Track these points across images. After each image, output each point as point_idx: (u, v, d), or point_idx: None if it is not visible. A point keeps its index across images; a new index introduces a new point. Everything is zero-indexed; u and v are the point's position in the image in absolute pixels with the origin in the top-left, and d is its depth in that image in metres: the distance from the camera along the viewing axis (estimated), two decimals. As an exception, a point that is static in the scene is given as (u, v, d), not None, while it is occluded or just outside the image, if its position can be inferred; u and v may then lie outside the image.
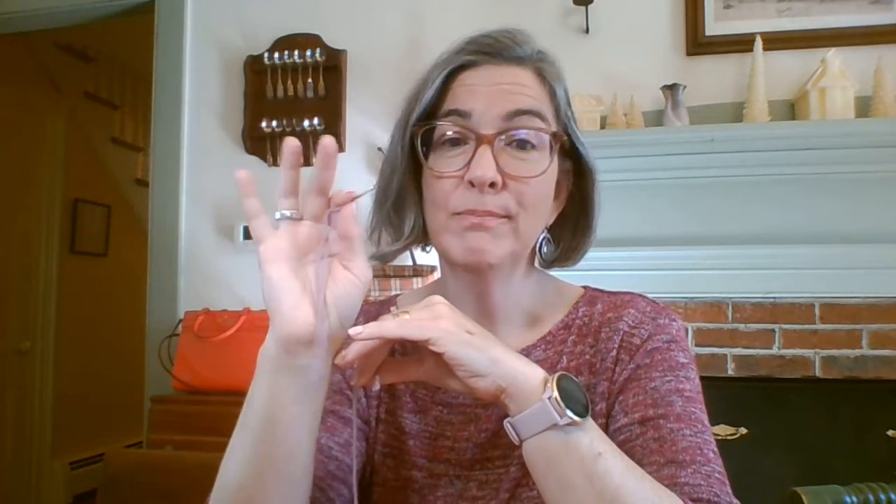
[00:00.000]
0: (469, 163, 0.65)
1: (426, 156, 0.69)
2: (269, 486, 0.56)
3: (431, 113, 0.69)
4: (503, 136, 0.66)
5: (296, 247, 0.54)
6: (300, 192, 0.55)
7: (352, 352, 0.55)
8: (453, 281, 0.73)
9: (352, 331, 0.54)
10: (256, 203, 0.54)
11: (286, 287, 0.53)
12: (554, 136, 0.68)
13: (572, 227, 0.76)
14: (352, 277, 0.55)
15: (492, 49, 0.69)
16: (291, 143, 0.54)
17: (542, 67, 0.71)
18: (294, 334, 0.53)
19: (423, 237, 0.74)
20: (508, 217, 0.66)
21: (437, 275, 1.89)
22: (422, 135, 0.69)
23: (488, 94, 0.67)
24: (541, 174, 0.67)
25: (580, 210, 0.75)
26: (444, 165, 0.67)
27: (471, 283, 0.71)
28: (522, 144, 0.67)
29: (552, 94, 0.71)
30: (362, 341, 0.55)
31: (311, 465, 0.59)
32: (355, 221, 0.55)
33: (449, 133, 0.67)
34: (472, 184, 0.64)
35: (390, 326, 0.54)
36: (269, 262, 0.53)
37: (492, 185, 0.64)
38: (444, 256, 0.70)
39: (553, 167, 0.69)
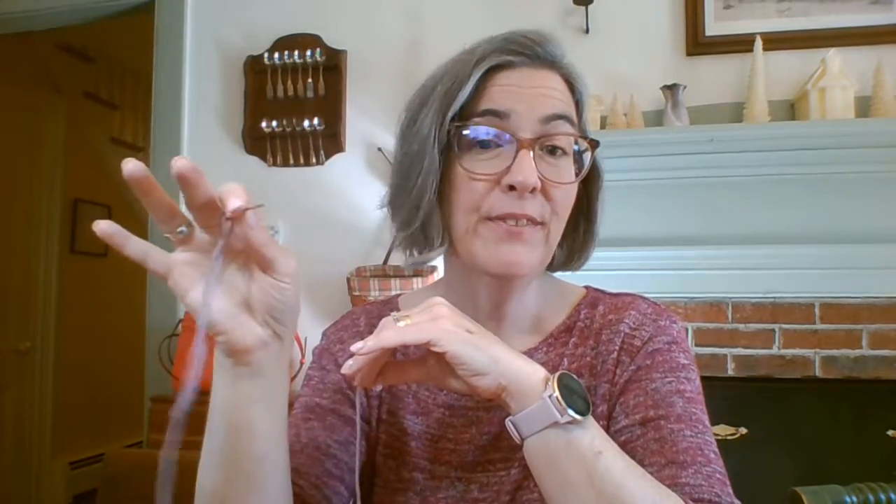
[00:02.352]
0: (510, 167, 0.63)
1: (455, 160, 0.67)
2: (241, 488, 0.56)
3: (466, 113, 0.66)
4: (541, 140, 0.65)
5: (202, 263, 0.50)
6: (178, 209, 0.49)
7: (357, 363, 0.55)
8: (467, 283, 0.72)
9: (353, 347, 0.54)
10: (138, 244, 0.50)
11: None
12: (591, 143, 0.68)
13: (578, 229, 0.75)
14: (272, 281, 0.51)
15: (528, 50, 0.67)
16: (129, 170, 0.45)
17: (570, 73, 0.70)
18: (230, 344, 0.52)
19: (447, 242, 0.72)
20: (542, 224, 0.66)
21: (436, 275, 1.89)
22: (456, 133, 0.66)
23: (526, 96, 0.65)
24: (575, 181, 0.67)
25: (585, 216, 0.75)
26: (477, 167, 0.65)
27: (490, 289, 0.70)
28: (553, 150, 0.66)
29: (577, 101, 0.71)
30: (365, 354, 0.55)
31: (284, 463, 0.59)
32: (255, 230, 0.48)
33: (485, 135, 0.65)
34: (511, 188, 0.63)
35: (389, 336, 0.54)
36: (184, 292, 0.50)
37: (531, 190, 0.63)
38: (469, 262, 0.67)
39: (580, 179, 0.68)
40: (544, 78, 0.67)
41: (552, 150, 0.66)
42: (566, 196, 0.67)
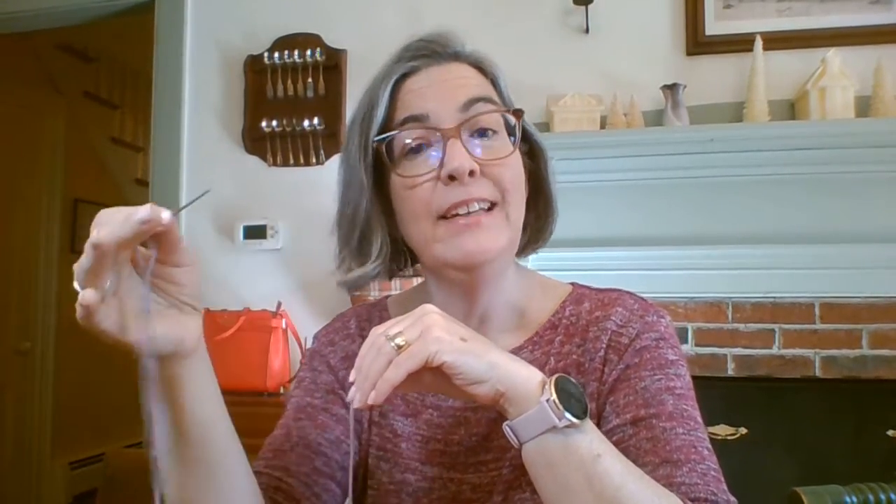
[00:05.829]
0: (442, 159, 0.64)
1: (391, 171, 0.68)
2: (196, 484, 0.57)
3: (386, 128, 0.68)
4: (466, 125, 0.66)
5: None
6: None
7: (376, 397, 0.53)
8: (439, 287, 0.72)
9: (370, 400, 0.53)
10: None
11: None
12: (515, 113, 0.69)
13: (535, 209, 0.75)
14: (181, 272, 0.53)
15: (428, 50, 0.70)
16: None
17: (478, 60, 0.72)
18: (173, 344, 0.53)
19: (393, 258, 0.73)
20: (495, 204, 0.66)
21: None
22: (384, 149, 0.68)
23: (438, 91, 0.67)
24: (511, 153, 0.67)
25: (539, 191, 0.75)
26: (414, 171, 0.66)
27: (461, 287, 0.70)
28: (483, 132, 0.67)
29: (494, 82, 0.72)
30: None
31: (237, 453, 0.60)
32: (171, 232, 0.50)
33: (410, 141, 0.66)
34: (451, 178, 0.64)
35: (391, 376, 0.52)
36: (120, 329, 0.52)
37: (470, 174, 0.64)
38: (438, 266, 0.68)
39: (516, 149, 0.69)
40: (452, 70, 0.69)
41: (483, 133, 0.67)
42: (512, 172, 0.67)
